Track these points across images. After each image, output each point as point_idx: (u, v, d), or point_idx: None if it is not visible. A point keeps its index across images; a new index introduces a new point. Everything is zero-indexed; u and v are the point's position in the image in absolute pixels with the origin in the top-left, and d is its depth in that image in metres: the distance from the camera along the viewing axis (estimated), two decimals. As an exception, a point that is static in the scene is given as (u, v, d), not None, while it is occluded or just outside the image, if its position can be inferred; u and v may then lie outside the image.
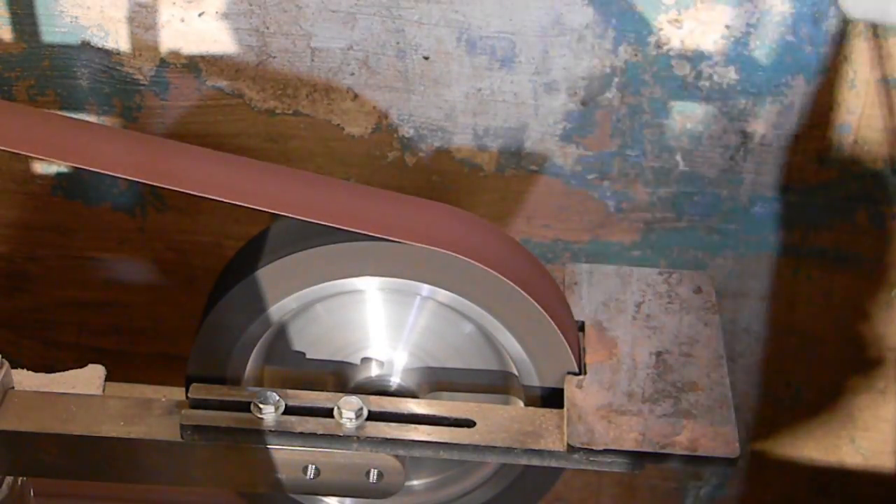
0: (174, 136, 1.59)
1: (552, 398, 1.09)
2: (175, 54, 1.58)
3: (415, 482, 1.19)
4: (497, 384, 1.14)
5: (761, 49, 1.52)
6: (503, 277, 1.05)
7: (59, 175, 1.70)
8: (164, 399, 1.10)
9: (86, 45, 1.58)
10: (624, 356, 1.09)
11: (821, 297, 1.69)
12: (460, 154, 1.64)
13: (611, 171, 1.63)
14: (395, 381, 1.14)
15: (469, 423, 1.05)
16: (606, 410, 1.04)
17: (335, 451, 1.07)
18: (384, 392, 1.13)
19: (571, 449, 1.02)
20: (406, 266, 1.06)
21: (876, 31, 1.50)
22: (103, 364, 1.34)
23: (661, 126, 1.59)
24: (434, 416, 1.07)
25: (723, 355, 1.10)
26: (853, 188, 1.62)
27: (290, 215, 1.04)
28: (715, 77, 1.54)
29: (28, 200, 1.73)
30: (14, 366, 1.12)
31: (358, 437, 1.04)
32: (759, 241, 1.66)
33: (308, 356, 1.15)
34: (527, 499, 1.16)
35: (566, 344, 1.08)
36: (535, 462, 1.05)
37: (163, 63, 1.59)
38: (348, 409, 1.05)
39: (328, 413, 1.06)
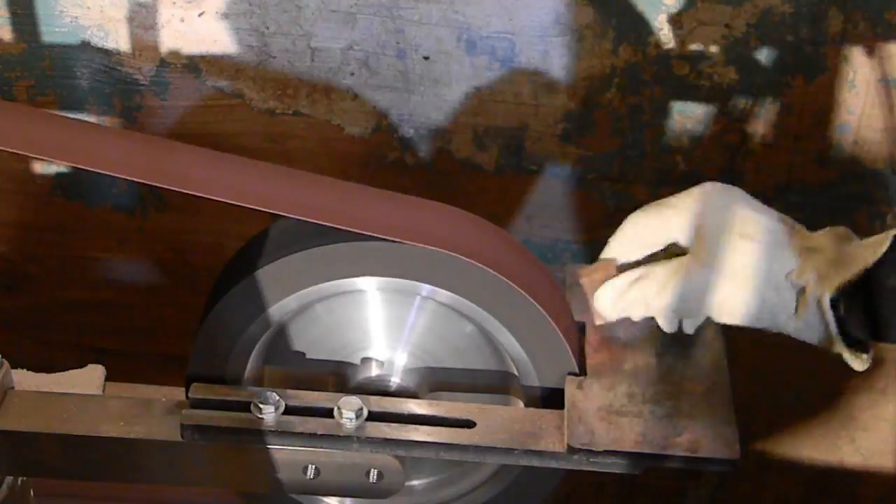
0: (174, 136, 1.58)
1: (552, 399, 1.09)
2: (175, 54, 1.58)
3: (415, 482, 1.19)
4: (497, 384, 1.14)
5: (761, 49, 1.52)
6: (503, 277, 1.05)
7: (59, 175, 1.70)
8: (164, 399, 1.10)
9: (86, 45, 1.58)
10: (624, 357, 1.09)
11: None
12: (460, 154, 1.64)
13: (611, 171, 1.63)
14: (395, 381, 1.14)
15: (469, 424, 1.05)
16: (607, 411, 1.04)
17: (335, 451, 1.07)
18: (384, 392, 1.13)
19: (572, 450, 1.02)
20: (406, 266, 1.06)
21: (876, 31, 1.50)
22: (103, 364, 1.34)
23: (661, 126, 1.59)
24: (434, 416, 1.06)
25: (723, 356, 1.10)
26: (853, 188, 1.62)
27: (290, 215, 1.04)
28: (715, 77, 1.54)
29: (28, 200, 1.73)
30: (14, 366, 1.12)
31: (358, 438, 1.04)
32: (759, 241, 1.66)
33: (308, 356, 1.15)
34: (527, 500, 1.16)
35: (566, 344, 1.08)
36: (535, 463, 1.05)
37: (163, 63, 1.59)
38: (348, 409, 1.05)
39: (328, 413, 1.06)
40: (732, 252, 1.04)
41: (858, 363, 1.03)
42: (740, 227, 1.05)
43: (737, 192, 1.08)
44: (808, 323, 1.02)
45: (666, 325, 1.08)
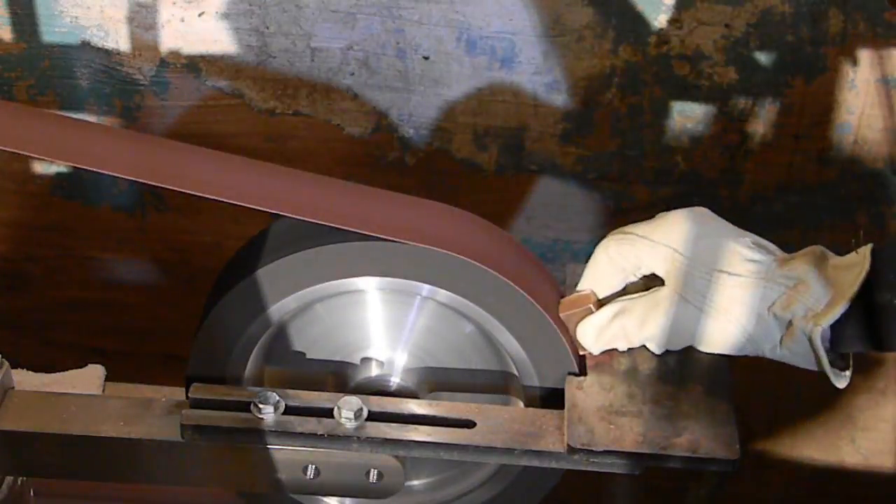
0: (174, 136, 1.59)
1: (552, 399, 1.09)
2: (175, 54, 1.58)
3: (415, 482, 1.19)
4: (497, 384, 1.14)
5: (761, 49, 1.52)
6: (503, 277, 1.05)
7: (59, 175, 1.70)
8: (164, 399, 1.10)
9: (86, 45, 1.58)
10: (624, 357, 1.09)
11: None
12: (460, 154, 1.64)
13: (611, 171, 1.63)
14: (395, 381, 1.14)
15: (469, 424, 1.05)
16: (607, 411, 1.04)
17: (335, 451, 1.07)
18: (384, 392, 1.13)
19: (572, 450, 1.02)
20: (406, 266, 1.06)
21: (876, 31, 1.50)
22: (103, 364, 1.34)
23: (661, 126, 1.59)
24: (434, 416, 1.06)
25: (723, 356, 1.09)
26: (853, 188, 1.62)
27: (290, 215, 1.04)
28: (715, 77, 1.54)
29: (28, 200, 1.73)
30: (14, 366, 1.11)
31: (358, 437, 1.04)
32: (760, 242, 1.66)
33: (308, 356, 1.15)
34: (527, 499, 1.16)
35: (566, 344, 1.08)
36: (535, 463, 1.05)
37: (163, 63, 1.59)
38: (348, 409, 1.05)
39: (328, 413, 1.05)
40: (712, 287, 1.03)
41: (843, 381, 1.04)
42: (718, 260, 1.04)
43: (709, 220, 1.07)
44: (794, 351, 1.02)
45: (654, 350, 1.08)
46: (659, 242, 1.06)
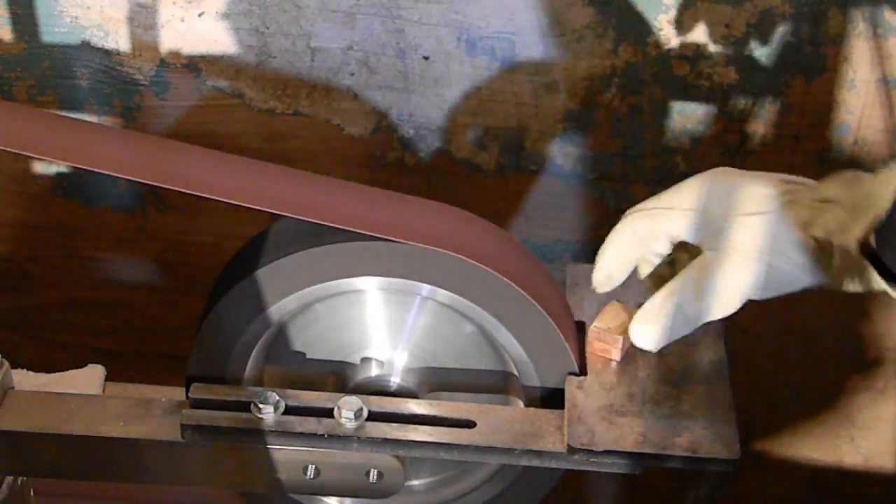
0: (174, 136, 1.59)
1: (552, 399, 1.09)
2: (175, 54, 1.58)
3: (415, 482, 1.19)
4: (497, 384, 1.14)
5: (761, 49, 1.52)
6: (503, 277, 1.05)
7: (59, 175, 1.70)
8: (164, 399, 1.10)
9: (86, 45, 1.58)
10: (624, 356, 1.09)
11: (820, 298, 1.69)
12: (460, 154, 1.64)
13: (611, 171, 1.63)
14: (395, 381, 1.14)
15: (469, 424, 1.05)
16: (607, 411, 1.04)
17: (335, 451, 1.07)
18: (384, 392, 1.13)
19: (572, 450, 1.02)
20: (406, 266, 1.06)
21: (876, 31, 1.50)
22: (103, 364, 1.35)
23: (661, 126, 1.59)
24: (434, 416, 1.06)
25: (723, 356, 1.10)
26: (853, 188, 1.62)
27: (290, 215, 1.04)
28: (715, 77, 1.54)
29: (28, 200, 1.73)
30: (14, 366, 1.12)
31: (358, 437, 1.04)
32: (759, 241, 1.66)
33: (308, 356, 1.15)
34: (527, 499, 1.16)
35: (566, 344, 1.08)
36: (536, 463, 1.05)
37: (163, 63, 1.59)
38: (348, 409, 1.05)
39: (328, 413, 1.06)
40: (744, 233, 0.99)
41: None
42: (744, 205, 1.00)
43: (731, 174, 1.04)
44: (838, 269, 0.98)
45: (717, 318, 1.03)
46: (688, 208, 1.02)
